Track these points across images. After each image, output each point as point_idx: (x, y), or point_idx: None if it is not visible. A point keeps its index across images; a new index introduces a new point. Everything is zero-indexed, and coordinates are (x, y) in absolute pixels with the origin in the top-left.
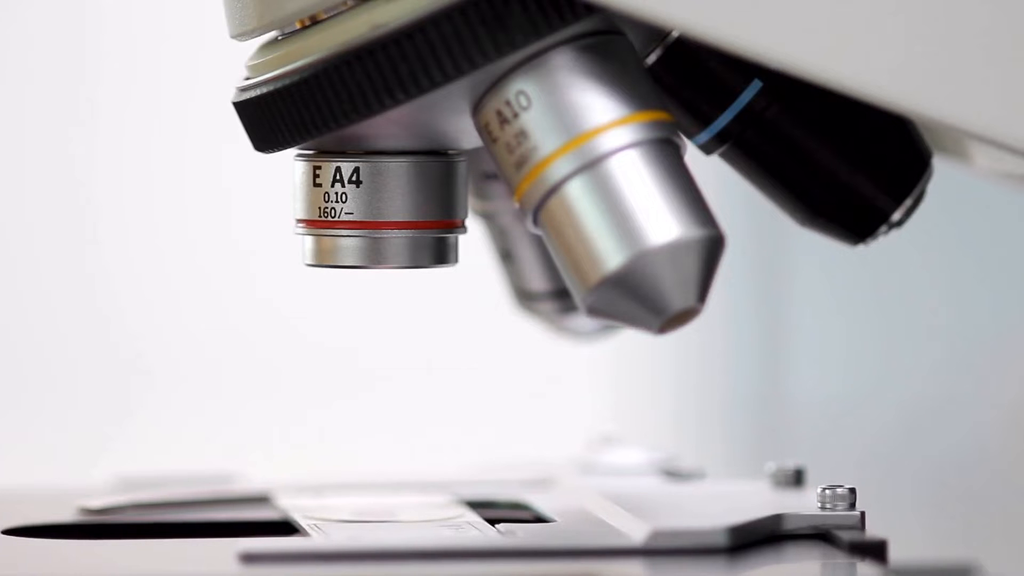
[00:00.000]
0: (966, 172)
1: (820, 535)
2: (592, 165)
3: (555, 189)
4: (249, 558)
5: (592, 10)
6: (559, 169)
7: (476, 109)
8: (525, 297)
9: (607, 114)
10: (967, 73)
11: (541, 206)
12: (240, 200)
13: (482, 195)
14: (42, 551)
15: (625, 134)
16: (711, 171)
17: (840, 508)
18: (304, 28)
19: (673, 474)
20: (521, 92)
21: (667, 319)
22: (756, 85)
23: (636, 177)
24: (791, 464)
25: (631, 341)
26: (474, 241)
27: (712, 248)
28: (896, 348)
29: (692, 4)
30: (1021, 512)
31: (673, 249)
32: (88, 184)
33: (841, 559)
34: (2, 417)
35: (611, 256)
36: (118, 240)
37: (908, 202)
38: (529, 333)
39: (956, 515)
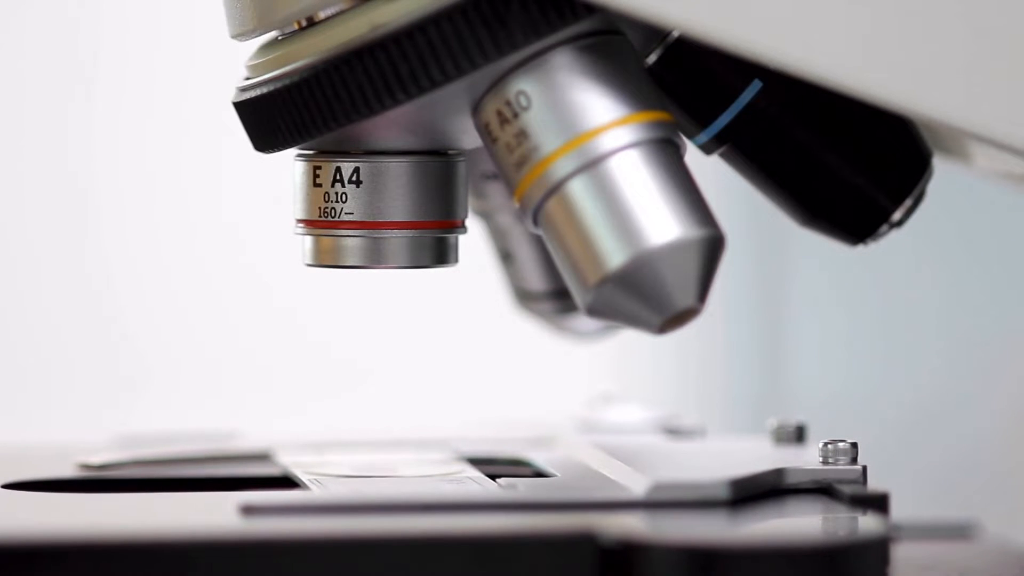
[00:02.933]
0: (966, 172)
1: (822, 489)
2: (592, 165)
3: (555, 189)
4: (250, 510)
5: (592, 10)
6: (559, 169)
7: (476, 109)
8: (525, 297)
9: (607, 114)
10: (967, 73)
11: (541, 206)
12: (240, 200)
13: (482, 195)
14: (40, 503)
15: (625, 134)
16: (711, 171)
17: (842, 462)
18: (304, 28)
19: (674, 432)
20: (521, 92)
21: (667, 319)
22: (756, 85)
23: (636, 177)
24: (792, 421)
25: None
26: (474, 241)
27: (712, 248)
28: (896, 348)
29: (692, 4)
30: (1022, 511)
31: (673, 249)
32: (88, 184)
33: (843, 513)
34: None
35: (611, 256)
36: (118, 239)
37: (908, 202)
38: (529, 333)
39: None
